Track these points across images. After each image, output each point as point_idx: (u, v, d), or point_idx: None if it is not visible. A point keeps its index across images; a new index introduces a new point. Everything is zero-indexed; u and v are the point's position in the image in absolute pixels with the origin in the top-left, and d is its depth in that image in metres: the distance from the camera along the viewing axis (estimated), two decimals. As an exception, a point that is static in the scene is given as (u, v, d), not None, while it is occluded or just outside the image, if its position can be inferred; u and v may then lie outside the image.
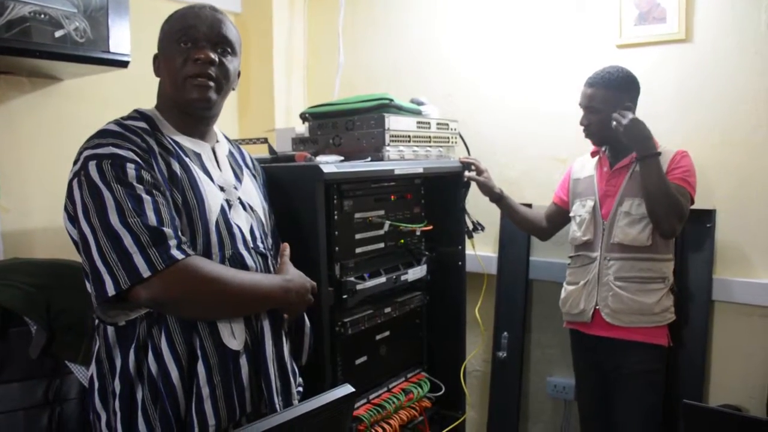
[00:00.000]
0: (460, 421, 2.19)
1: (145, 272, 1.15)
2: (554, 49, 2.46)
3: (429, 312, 2.22)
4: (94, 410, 1.28)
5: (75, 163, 1.25)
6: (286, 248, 1.49)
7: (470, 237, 2.26)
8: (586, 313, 2.07)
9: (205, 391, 1.25)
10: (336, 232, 1.76)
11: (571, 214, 2.19)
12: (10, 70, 1.89)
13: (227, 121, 2.66)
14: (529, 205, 2.42)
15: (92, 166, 1.20)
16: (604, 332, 2.05)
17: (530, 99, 2.52)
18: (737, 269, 2.15)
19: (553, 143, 2.47)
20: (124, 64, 1.84)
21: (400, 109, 2.02)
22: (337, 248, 1.76)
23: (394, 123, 1.92)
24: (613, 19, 2.31)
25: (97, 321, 1.28)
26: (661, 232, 1.94)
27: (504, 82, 2.57)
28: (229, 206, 1.36)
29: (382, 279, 1.90)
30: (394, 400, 1.93)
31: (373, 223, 1.91)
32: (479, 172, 2.23)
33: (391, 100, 1.97)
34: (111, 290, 1.16)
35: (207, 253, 1.28)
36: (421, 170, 1.99)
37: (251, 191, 1.46)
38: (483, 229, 2.30)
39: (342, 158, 1.84)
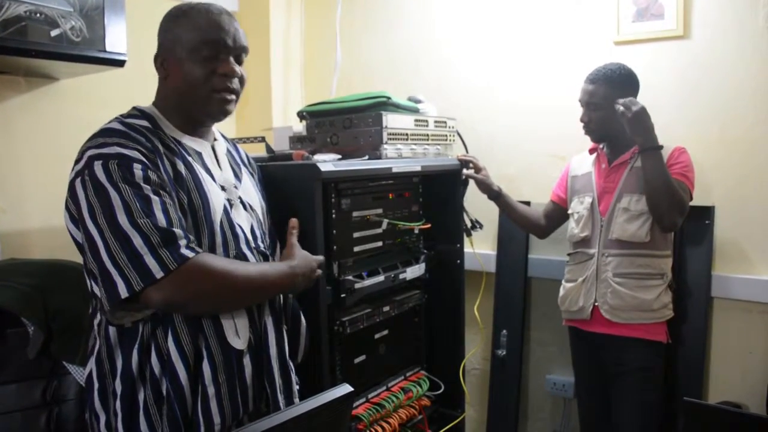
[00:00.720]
0: (459, 419, 2.19)
1: (158, 273, 1.14)
2: (552, 46, 2.45)
3: (428, 310, 2.22)
4: (92, 410, 1.27)
5: (77, 162, 1.22)
6: (296, 225, 1.50)
7: (469, 235, 2.26)
8: (585, 310, 2.07)
9: (211, 390, 1.25)
10: (334, 231, 1.75)
11: (570, 212, 2.19)
12: (6, 70, 1.88)
13: (225, 120, 2.66)
14: (528, 203, 2.42)
15: (98, 166, 1.17)
16: (603, 329, 2.05)
17: (528, 96, 2.51)
18: (736, 266, 2.15)
19: (551, 140, 2.47)
20: (120, 63, 1.83)
21: (397, 107, 2.01)
22: (335, 247, 1.75)
23: (392, 121, 1.92)
24: (610, 16, 2.30)
25: (96, 321, 1.28)
26: (662, 227, 1.94)
27: (502, 80, 2.57)
28: (231, 206, 1.36)
29: (381, 277, 1.90)
30: (393, 398, 1.92)
31: (371, 221, 1.91)
32: (477, 169, 2.22)
33: (389, 98, 1.96)
34: (123, 292, 1.14)
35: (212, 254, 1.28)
36: (419, 168, 1.99)
37: (250, 190, 1.46)
38: (481, 226, 2.30)
39: (340, 157, 1.83)
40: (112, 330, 1.24)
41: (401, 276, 1.98)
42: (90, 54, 1.74)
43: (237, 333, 1.30)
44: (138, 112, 1.33)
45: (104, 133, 1.24)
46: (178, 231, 1.18)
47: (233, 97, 1.35)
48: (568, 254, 2.20)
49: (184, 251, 1.17)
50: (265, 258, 1.42)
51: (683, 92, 2.20)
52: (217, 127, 1.48)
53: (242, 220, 1.38)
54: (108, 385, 1.25)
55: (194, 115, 1.35)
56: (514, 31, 2.53)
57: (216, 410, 1.25)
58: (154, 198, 1.18)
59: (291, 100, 2.94)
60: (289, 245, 1.47)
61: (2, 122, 1.93)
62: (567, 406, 2.54)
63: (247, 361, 1.32)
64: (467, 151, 2.30)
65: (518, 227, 2.42)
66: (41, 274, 1.66)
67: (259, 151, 1.87)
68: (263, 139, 2.00)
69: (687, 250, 2.20)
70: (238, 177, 1.43)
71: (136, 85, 2.14)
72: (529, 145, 2.52)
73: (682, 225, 1.97)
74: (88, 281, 1.26)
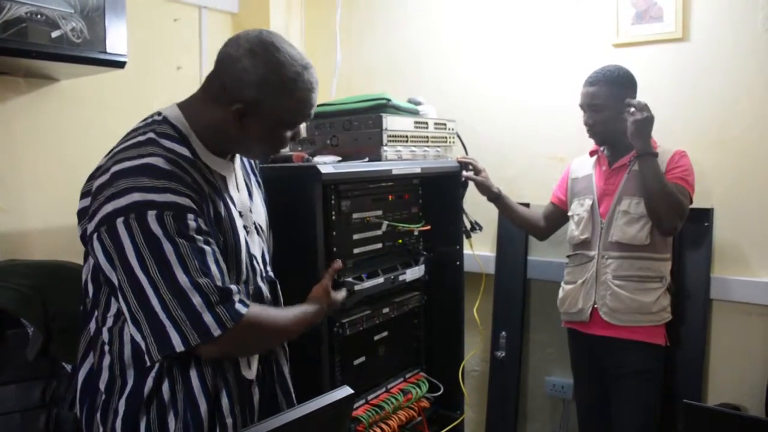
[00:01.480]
0: (458, 421, 2.19)
1: (216, 331, 1.15)
2: (552, 48, 2.46)
3: (427, 312, 2.22)
4: (91, 419, 1.26)
5: (112, 198, 1.13)
6: (338, 268, 1.59)
7: (468, 237, 2.26)
8: (584, 312, 2.07)
9: (229, 421, 1.28)
10: (334, 233, 1.75)
11: (570, 214, 2.19)
12: (6, 71, 1.88)
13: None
14: (527, 205, 2.42)
15: (152, 217, 1.12)
16: (602, 331, 2.05)
17: (528, 98, 2.52)
18: (735, 268, 2.16)
19: (550, 142, 2.47)
20: (120, 65, 1.83)
21: (397, 109, 2.01)
22: (335, 249, 1.75)
23: (392, 123, 1.92)
24: (610, 18, 2.31)
25: (108, 337, 1.24)
26: (661, 231, 1.94)
27: (501, 82, 2.57)
28: (247, 233, 1.37)
29: (380, 279, 1.90)
30: (393, 400, 1.92)
31: (371, 223, 1.91)
32: (477, 171, 2.23)
33: (389, 100, 1.97)
34: (179, 347, 1.14)
35: None
36: (418, 170, 1.99)
37: (259, 207, 1.47)
38: (481, 228, 2.31)
39: (339, 158, 1.83)
40: (127, 350, 1.23)
41: (401, 278, 1.98)
42: (90, 55, 1.74)
43: (249, 365, 1.35)
44: (172, 130, 1.25)
45: (148, 171, 1.15)
46: (234, 287, 1.20)
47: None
48: (568, 256, 2.20)
49: (238, 307, 1.19)
50: (273, 285, 1.46)
51: (682, 94, 2.21)
52: None
53: (256, 248, 1.40)
54: (112, 401, 1.24)
55: (233, 151, 1.37)
56: (513, 33, 2.54)
57: None
58: (207, 249, 1.18)
59: (291, 101, 2.93)
60: (323, 285, 1.52)
61: (2, 123, 1.93)
62: (566, 408, 2.54)
63: (255, 390, 1.38)
64: (467, 153, 2.30)
65: (517, 229, 2.42)
66: (41, 275, 1.66)
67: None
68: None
69: (686, 252, 2.20)
70: (249, 192, 1.44)
71: (137, 87, 2.15)
72: (528, 146, 2.53)
73: (681, 227, 1.97)
74: (100, 298, 1.25)
